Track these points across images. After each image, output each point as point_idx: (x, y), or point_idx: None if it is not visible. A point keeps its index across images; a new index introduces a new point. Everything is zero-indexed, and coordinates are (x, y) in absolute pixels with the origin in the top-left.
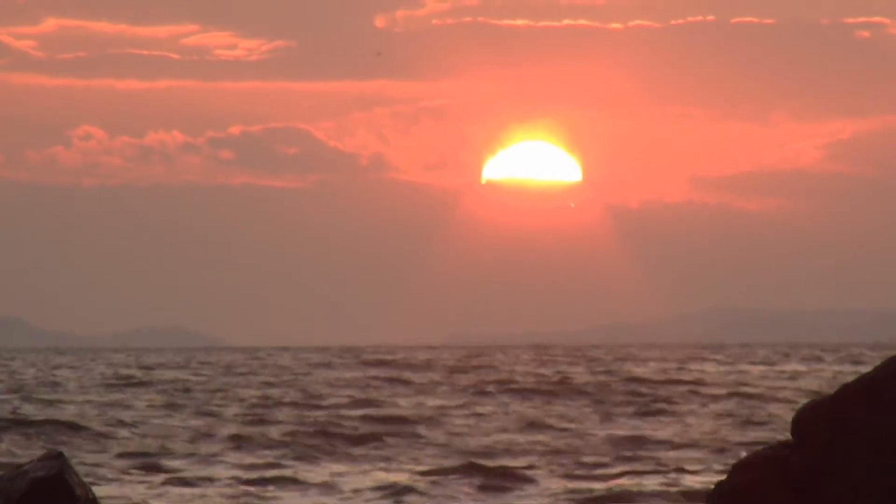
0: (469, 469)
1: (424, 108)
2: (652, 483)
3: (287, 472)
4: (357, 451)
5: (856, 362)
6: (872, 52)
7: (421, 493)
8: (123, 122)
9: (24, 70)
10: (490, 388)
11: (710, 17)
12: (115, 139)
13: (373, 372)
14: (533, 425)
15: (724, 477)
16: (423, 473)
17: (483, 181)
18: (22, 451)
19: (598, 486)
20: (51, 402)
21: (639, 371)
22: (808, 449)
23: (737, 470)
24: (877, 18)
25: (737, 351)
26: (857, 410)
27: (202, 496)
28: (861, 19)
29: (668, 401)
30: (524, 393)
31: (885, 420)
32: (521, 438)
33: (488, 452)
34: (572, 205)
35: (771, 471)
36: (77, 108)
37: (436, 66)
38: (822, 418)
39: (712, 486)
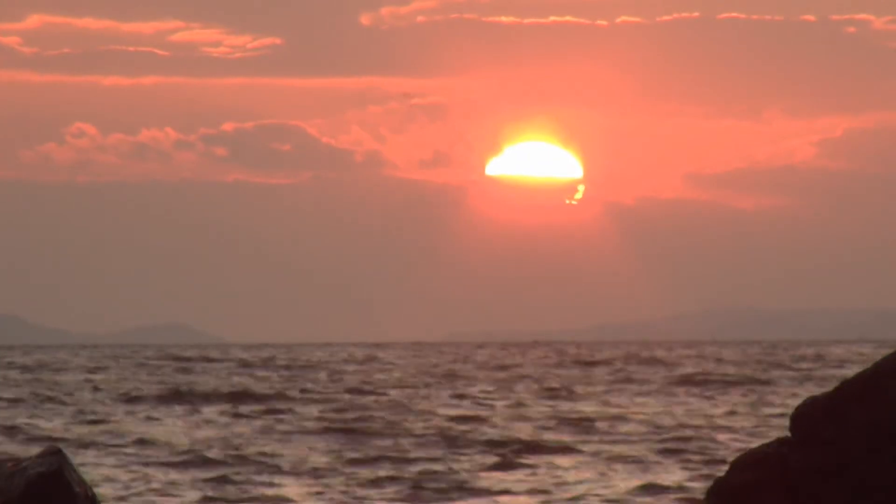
0: None
1: (418, 105)
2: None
3: None
4: None
5: None
6: (861, 49)
7: None
8: (115, 118)
9: (11, 67)
10: None
11: (696, 14)
12: (109, 136)
13: None
14: None
15: (722, 474)
16: None
17: (482, 177)
18: None
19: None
20: None
21: None
22: (807, 447)
23: (735, 468)
24: (862, 15)
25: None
26: (857, 408)
27: None
28: (846, 16)
29: None
30: None
31: (884, 418)
32: None
33: None
34: (568, 201)
35: (769, 469)
36: (68, 104)
37: (426, 64)
38: (820, 415)
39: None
